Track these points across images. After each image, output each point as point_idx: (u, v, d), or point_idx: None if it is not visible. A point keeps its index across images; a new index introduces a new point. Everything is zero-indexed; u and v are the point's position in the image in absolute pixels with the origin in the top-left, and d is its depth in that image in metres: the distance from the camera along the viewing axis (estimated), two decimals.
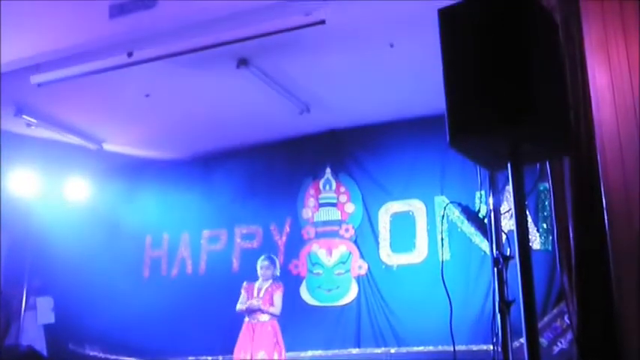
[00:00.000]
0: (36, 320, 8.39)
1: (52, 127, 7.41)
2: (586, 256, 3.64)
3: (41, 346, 8.02)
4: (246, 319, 6.80)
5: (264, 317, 6.73)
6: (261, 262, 6.93)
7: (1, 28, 5.79)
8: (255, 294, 6.86)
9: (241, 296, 6.90)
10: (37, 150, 7.91)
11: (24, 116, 7.05)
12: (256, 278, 6.88)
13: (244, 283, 6.97)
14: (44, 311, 8.39)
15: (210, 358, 7.81)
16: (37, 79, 5.94)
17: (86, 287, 8.31)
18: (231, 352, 6.75)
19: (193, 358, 7.84)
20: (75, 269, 8.35)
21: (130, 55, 5.53)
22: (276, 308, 6.78)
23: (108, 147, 8.14)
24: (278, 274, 7.03)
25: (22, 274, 8.59)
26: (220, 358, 7.61)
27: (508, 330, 2.79)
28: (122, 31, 5.43)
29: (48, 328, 8.43)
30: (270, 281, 6.88)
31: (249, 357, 6.60)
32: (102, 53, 5.65)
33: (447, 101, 2.23)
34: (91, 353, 8.24)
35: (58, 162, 8.24)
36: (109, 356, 8.15)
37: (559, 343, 5.93)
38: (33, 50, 5.78)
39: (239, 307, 6.87)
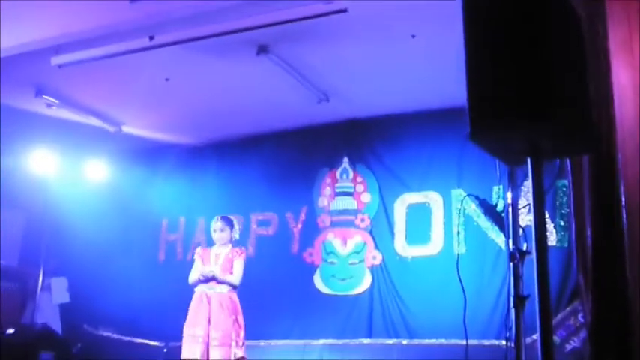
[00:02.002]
0: (51, 300, 8.47)
1: (72, 108, 7.46)
2: (603, 254, 3.62)
3: (56, 325, 8.11)
4: (199, 287, 5.91)
5: (222, 288, 5.85)
6: (214, 224, 6.13)
7: (23, 10, 5.82)
8: (211, 260, 6.02)
9: (195, 264, 6.09)
10: (56, 131, 7.96)
11: (44, 97, 7.10)
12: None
13: (198, 249, 6.33)
14: (59, 291, 8.47)
15: None
16: (57, 60, 5.98)
17: (102, 269, 8.36)
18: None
19: None
20: (91, 250, 8.40)
21: (151, 38, 5.54)
22: (236, 277, 5.89)
23: (127, 130, 8.18)
24: (237, 236, 6.22)
25: (39, 254, 8.66)
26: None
27: (521, 325, 2.78)
28: (143, 15, 5.43)
29: (63, 308, 8.51)
30: (230, 246, 6.08)
31: (202, 332, 5.67)
32: (123, 36, 5.67)
33: (468, 95, 2.21)
34: (105, 334, 8.31)
35: (78, 143, 8.29)
36: (122, 337, 8.20)
37: (572, 341, 5.90)
38: (54, 32, 5.81)
39: (192, 277, 5.95)
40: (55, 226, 8.73)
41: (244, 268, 6.00)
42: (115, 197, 8.62)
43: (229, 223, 6.15)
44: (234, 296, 5.91)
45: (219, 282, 5.86)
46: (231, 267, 5.94)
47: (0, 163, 7.36)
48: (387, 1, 5.09)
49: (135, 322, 8.15)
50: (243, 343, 5.81)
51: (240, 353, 5.73)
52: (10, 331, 6.46)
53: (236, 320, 5.81)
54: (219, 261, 5.98)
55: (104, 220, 8.42)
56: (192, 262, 6.04)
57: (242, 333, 5.82)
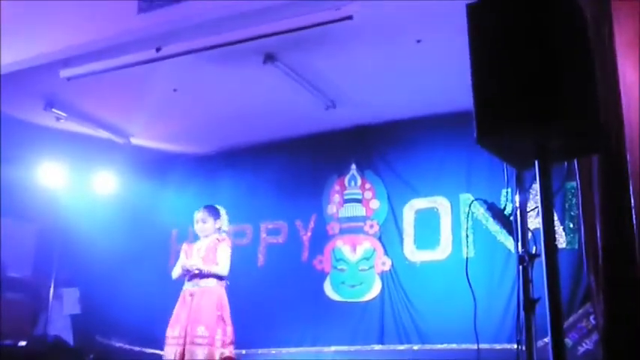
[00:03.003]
0: (63, 311, 8.50)
1: (80, 120, 7.50)
2: (613, 255, 3.60)
3: (68, 336, 8.13)
4: (185, 286, 5.54)
5: (208, 282, 5.45)
6: (196, 215, 5.73)
7: (31, 23, 5.88)
8: (194, 254, 5.60)
9: (179, 259, 5.69)
10: (65, 143, 8.01)
11: (53, 110, 7.14)
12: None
13: (184, 244, 5.93)
14: (70, 302, 8.49)
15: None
16: (66, 73, 6.02)
17: (113, 279, 8.39)
18: (254, 347, 6.69)
19: None
20: (102, 261, 8.43)
21: (158, 50, 5.57)
22: (222, 267, 5.47)
23: (135, 141, 8.21)
24: (225, 228, 5.79)
25: (51, 265, 8.70)
26: (243, 351, 7.65)
27: (533, 329, 2.77)
28: (150, 26, 5.47)
29: (75, 319, 8.53)
30: (213, 237, 5.68)
31: (179, 333, 5.28)
32: (130, 48, 5.70)
33: (474, 98, 2.22)
34: (117, 344, 8.32)
35: (87, 155, 8.33)
36: (134, 348, 8.22)
37: (584, 344, 5.88)
38: (62, 44, 5.85)
39: (174, 272, 5.59)
40: (67, 238, 8.77)
41: (231, 256, 5.62)
42: (125, 208, 8.65)
43: (213, 213, 5.76)
44: (221, 290, 5.52)
45: (204, 276, 5.45)
46: (215, 257, 5.53)
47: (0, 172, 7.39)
48: (391, 7, 5.11)
49: (146, 332, 8.15)
50: (231, 342, 5.44)
51: (226, 353, 5.36)
52: (23, 343, 6.47)
53: (221, 317, 5.41)
54: (201, 253, 5.58)
55: (114, 231, 8.45)
56: None
57: (229, 330, 5.42)
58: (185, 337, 5.27)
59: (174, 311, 5.53)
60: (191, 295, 5.45)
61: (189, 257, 5.63)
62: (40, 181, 8.14)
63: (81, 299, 8.54)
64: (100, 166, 8.60)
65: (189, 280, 5.52)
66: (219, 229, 5.79)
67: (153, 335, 8.09)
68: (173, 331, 5.38)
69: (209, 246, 5.65)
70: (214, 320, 5.35)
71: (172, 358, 5.29)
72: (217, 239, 5.66)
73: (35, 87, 6.69)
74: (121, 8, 5.55)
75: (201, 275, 5.46)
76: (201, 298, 5.41)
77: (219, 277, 5.52)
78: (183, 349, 5.24)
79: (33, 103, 7.03)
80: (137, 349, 8.19)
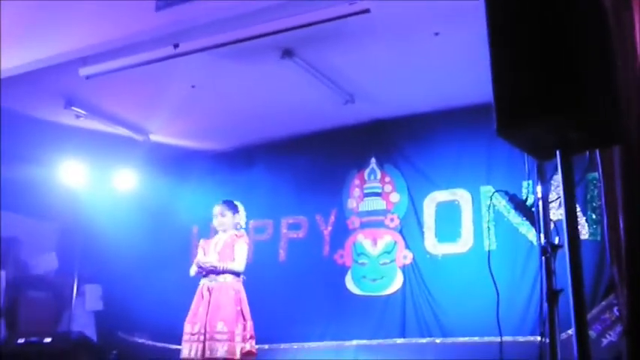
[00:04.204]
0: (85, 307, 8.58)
1: (100, 118, 7.54)
2: (637, 246, 3.57)
3: (91, 333, 8.21)
4: (201, 281, 5.52)
5: (225, 278, 5.42)
6: (214, 209, 5.72)
7: (50, 22, 5.92)
8: (211, 250, 5.59)
9: (197, 256, 5.68)
10: (85, 141, 8.06)
11: (73, 108, 7.19)
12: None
13: (201, 241, 5.94)
14: (92, 298, 8.57)
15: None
16: (85, 71, 6.05)
17: (135, 276, 8.45)
18: (276, 342, 6.70)
19: None
20: (124, 258, 8.48)
21: (176, 46, 5.59)
22: (238, 263, 5.44)
23: (155, 138, 8.24)
24: (243, 224, 5.77)
25: (73, 263, 8.77)
26: (266, 346, 7.68)
27: (556, 320, 2.75)
28: (168, 23, 5.49)
29: (98, 316, 8.61)
30: (231, 232, 5.67)
31: (198, 329, 5.27)
32: (148, 45, 5.73)
33: (494, 89, 2.20)
34: (140, 340, 8.38)
35: (106, 153, 8.39)
36: (156, 344, 8.27)
37: (607, 336, 5.83)
38: (81, 43, 5.89)
39: (192, 270, 5.55)
40: (88, 235, 8.83)
41: (248, 252, 5.62)
42: (145, 205, 8.70)
43: (231, 207, 5.75)
44: (239, 286, 5.49)
45: (220, 272, 5.42)
46: (233, 253, 5.50)
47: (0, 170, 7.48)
48: (408, 0, 5.08)
49: (168, 328, 8.20)
50: (251, 336, 5.42)
51: (247, 347, 5.34)
52: (48, 339, 6.54)
53: (240, 312, 5.39)
54: (218, 248, 5.57)
55: (135, 228, 8.50)
56: None
57: (249, 325, 5.41)
58: (205, 333, 5.23)
59: (192, 307, 5.51)
60: (208, 290, 5.43)
61: (207, 253, 5.62)
62: (61, 180, 8.21)
63: (103, 296, 8.60)
64: (120, 164, 8.65)
65: (205, 276, 5.50)
66: (238, 224, 5.77)
67: (175, 331, 8.12)
68: (192, 328, 5.36)
69: (227, 241, 5.62)
70: (234, 315, 5.32)
71: (191, 354, 5.28)
72: (236, 235, 5.63)
73: (55, 86, 6.74)
74: (139, 6, 5.58)
75: (218, 271, 5.44)
76: (219, 294, 5.38)
77: (236, 274, 5.50)
78: (204, 346, 5.22)
79: (53, 102, 7.08)
80: (160, 344, 8.24)
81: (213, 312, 5.28)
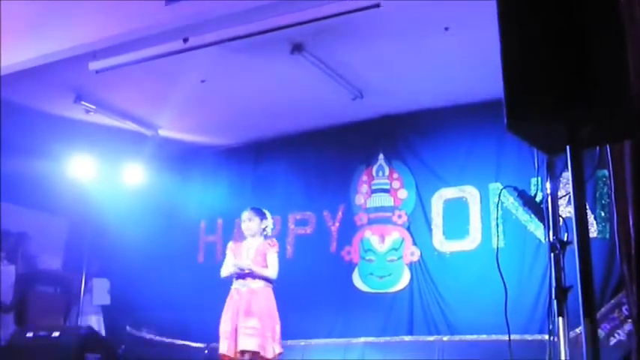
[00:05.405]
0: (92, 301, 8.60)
1: (109, 113, 7.56)
2: None
3: (99, 328, 8.22)
4: (234, 285, 5.72)
5: (257, 283, 5.65)
6: (243, 215, 5.93)
7: (60, 16, 5.92)
8: (243, 255, 5.79)
9: (227, 258, 5.90)
10: (95, 136, 8.08)
11: (83, 102, 7.21)
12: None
13: (230, 243, 6.12)
14: (100, 292, 8.58)
15: None
16: (95, 65, 6.06)
17: (143, 271, 8.47)
18: (283, 338, 6.67)
19: None
20: (132, 253, 8.51)
21: (185, 41, 5.58)
22: (272, 271, 5.68)
23: (163, 133, 8.26)
24: (270, 231, 5.98)
25: (81, 257, 8.79)
26: None
27: (565, 318, 2.73)
28: (178, 18, 5.49)
29: (106, 311, 8.63)
30: (262, 239, 5.88)
31: (230, 328, 5.53)
32: (158, 39, 5.73)
33: (504, 83, 2.18)
34: (147, 336, 8.40)
35: (115, 148, 8.40)
36: (164, 339, 8.29)
37: (617, 335, 5.81)
38: (91, 37, 5.90)
39: (224, 271, 5.79)
40: (97, 230, 8.86)
41: (278, 261, 5.81)
42: (153, 200, 8.71)
43: (259, 213, 5.93)
44: (269, 291, 5.70)
45: (254, 277, 5.64)
46: (264, 260, 5.72)
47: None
48: None
49: (176, 323, 8.23)
50: (279, 338, 5.65)
51: (278, 349, 5.58)
52: (56, 334, 6.56)
53: (272, 315, 5.61)
54: (250, 254, 5.77)
55: (143, 223, 8.52)
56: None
57: (278, 328, 5.61)
58: (236, 330, 5.49)
59: (225, 311, 5.71)
60: (240, 294, 5.65)
61: (238, 257, 5.81)
62: (70, 175, 8.23)
63: (111, 291, 8.62)
64: (129, 158, 8.66)
65: (237, 279, 5.70)
66: (265, 229, 5.95)
67: (182, 327, 8.18)
68: (225, 326, 5.62)
69: (258, 249, 5.81)
70: (266, 316, 5.56)
71: (224, 350, 5.56)
72: (268, 244, 5.83)
73: (65, 80, 6.76)
74: (149, 0, 5.58)
75: (252, 276, 5.65)
76: (251, 297, 5.61)
77: (269, 281, 5.72)
78: (236, 343, 5.47)
79: (63, 97, 7.10)
80: (167, 340, 8.26)
81: (244, 312, 5.53)
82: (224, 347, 5.57)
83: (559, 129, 2.16)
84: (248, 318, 5.49)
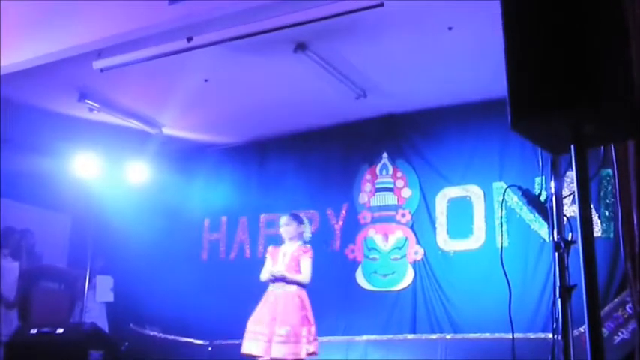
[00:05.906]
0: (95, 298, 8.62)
1: (113, 111, 7.57)
2: None
3: (103, 324, 8.24)
4: (270, 287, 5.97)
5: (291, 287, 5.89)
6: (280, 221, 6.21)
7: (64, 15, 5.94)
8: (279, 259, 6.06)
9: (266, 262, 6.18)
10: (99, 134, 8.10)
11: (87, 101, 7.22)
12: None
13: (269, 247, 6.37)
14: (103, 289, 8.60)
15: None
16: (99, 64, 6.07)
17: (147, 268, 8.48)
18: None
19: None
20: (136, 251, 8.53)
21: (189, 40, 5.59)
22: (305, 277, 5.90)
23: (167, 131, 8.27)
24: (308, 235, 6.20)
25: (85, 255, 8.81)
26: None
27: (569, 317, 2.73)
28: (181, 17, 5.49)
29: (110, 308, 8.65)
30: (300, 242, 6.11)
31: (265, 330, 5.68)
32: (162, 38, 5.74)
33: (508, 82, 2.18)
34: (151, 333, 8.42)
35: (119, 146, 8.42)
36: (167, 336, 8.31)
37: (620, 333, 5.81)
38: (95, 36, 5.91)
39: (262, 275, 6.05)
40: (100, 227, 8.88)
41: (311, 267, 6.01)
42: (157, 198, 8.73)
43: (296, 218, 6.20)
44: (303, 294, 5.93)
45: (288, 281, 5.88)
46: (297, 265, 5.95)
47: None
48: None
49: (179, 321, 8.25)
50: (314, 339, 5.82)
51: (311, 348, 5.75)
52: (60, 330, 6.57)
53: (305, 316, 5.82)
54: (285, 259, 6.02)
55: (147, 221, 8.54)
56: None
57: (313, 329, 5.81)
58: (271, 335, 5.66)
59: (258, 309, 5.88)
60: (275, 297, 5.86)
61: (275, 261, 6.06)
62: (74, 173, 8.24)
63: (115, 288, 8.64)
64: (133, 157, 8.68)
65: (273, 282, 5.93)
66: (302, 234, 6.16)
67: (186, 324, 8.20)
68: (256, 327, 5.77)
69: (293, 254, 6.03)
70: (299, 320, 5.75)
71: (252, 351, 5.70)
72: (302, 250, 6.03)
73: (69, 79, 6.77)
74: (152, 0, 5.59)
75: (287, 281, 5.88)
76: (286, 300, 5.83)
77: (302, 285, 5.92)
78: (269, 347, 5.63)
79: (67, 95, 7.12)
80: (171, 337, 8.28)
81: (280, 317, 5.74)
82: (252, 347, 5.72)
83: (563, 128, 2.16)
84: (283, 325, 5.69)
